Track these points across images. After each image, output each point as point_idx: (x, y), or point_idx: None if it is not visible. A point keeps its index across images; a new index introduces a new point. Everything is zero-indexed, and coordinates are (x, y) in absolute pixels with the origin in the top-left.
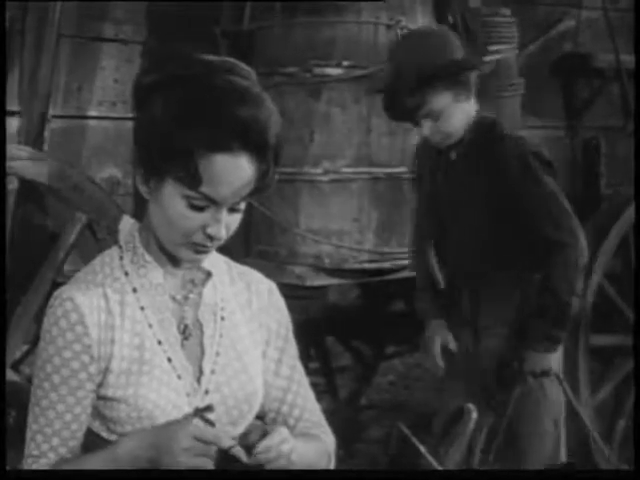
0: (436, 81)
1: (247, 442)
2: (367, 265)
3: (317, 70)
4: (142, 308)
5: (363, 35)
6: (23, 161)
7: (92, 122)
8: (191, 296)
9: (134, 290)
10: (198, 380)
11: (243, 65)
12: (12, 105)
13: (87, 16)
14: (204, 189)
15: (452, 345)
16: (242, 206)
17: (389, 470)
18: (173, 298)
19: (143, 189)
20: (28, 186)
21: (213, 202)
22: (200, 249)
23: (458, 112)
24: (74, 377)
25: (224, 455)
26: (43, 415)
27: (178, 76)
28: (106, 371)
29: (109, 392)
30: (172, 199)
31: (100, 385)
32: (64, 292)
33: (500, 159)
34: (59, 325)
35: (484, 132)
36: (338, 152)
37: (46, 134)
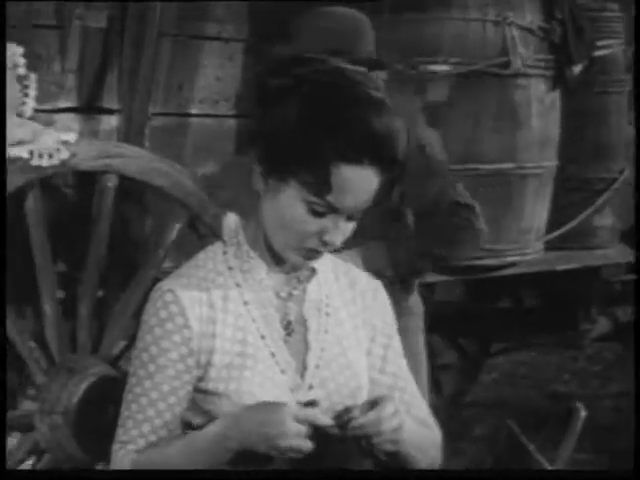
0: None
1: (347, 419)
2: (473, 262)
3: (423, 67)
4: (245, 303)
5: (470, 31)
6: (123, 158)
7: (193, 120)
8: (295, 292)
9: (237, 285)
10: (302, 375)
11: (372, 76)
12: (111, 103)
13: (188, 15)
14: (330, 198)
15: None
16: (359, 215)
17: (389, 470)
18: (277, 294)
19: (259, 186)
20: (128, 183)
21: (334, 210)
22: (311, 254)
23: None
24: (171, 367)
25: (325, 433)
26: (136, 402)
27: (311, 82)
28: (207, 365)
29: (210, 386)
30: (292, 202)
31: (201, 379)
32: (165, 284)
33: None
34: (159, 315)
35: None
36: (445, 149)
37: (146, 132)
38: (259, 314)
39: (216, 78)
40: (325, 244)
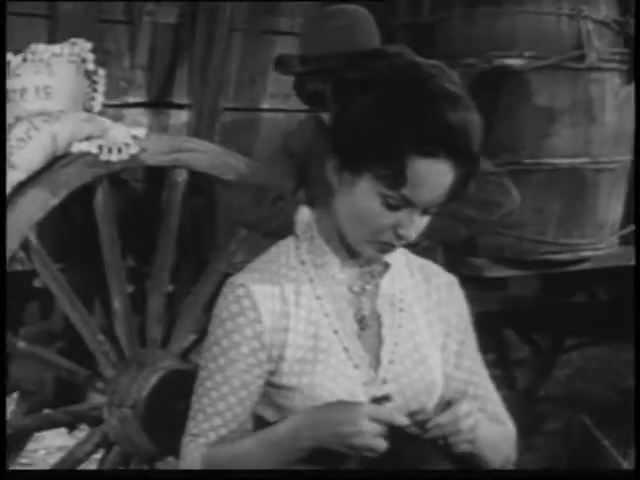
0: None
1: (421, 420)
2: (548, 256)
3: (497, 61)
4: (318, 297)
5: (544, 25)
6: (193, 153)
7: (264, 114)
8: (368, 287)
9: (310, 279)
10: (375, 370)
11: (449, 70)
12: (181, 98)
13: (259, 10)
14: (405, 191)
15: None
16: (434, 210)
17: (390, 470)
18: (350, 288)
19: (333, 179)
20: (197, 178)
21: (409, 204)
22: (385, 248)
23: None
24: (242, 361)
25: (401, 433)
26: (206, 395)
27: (386, 75)
28: (279, 359)
29: (283, 380)
30: (367, 195)
31: (273, 373)
32: (237, 279)
33: None
34: (230, 309)
35: None
36: (519, 143)
37: (217, 126)
38: (332, 308)
39: None
40: (399, 238)
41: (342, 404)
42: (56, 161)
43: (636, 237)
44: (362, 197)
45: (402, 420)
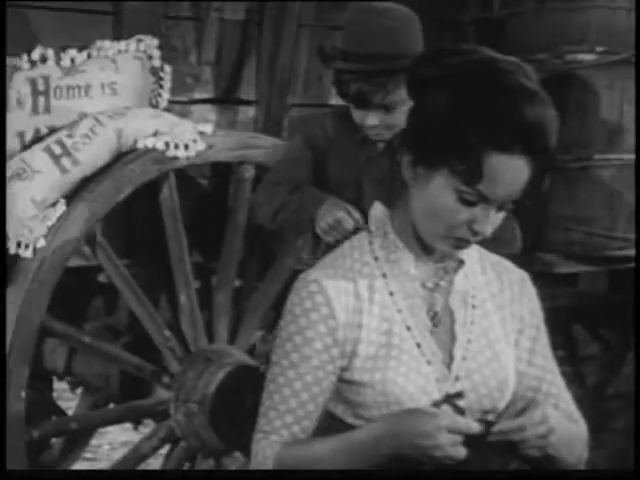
0: (401, 73)
1: (489, 423)
2: (618, 252)
3: (569, 57)
4: (391, 293)
5: (616, 20)
6: (260, 149)
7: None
8: (442, 283)
9: (384, 275)
10: (448, 367)
11: (525, 65)
12: (248, 94)
13: (327, 6)
14: (481, 187)
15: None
16: (509, 206)
17: (390, 470)
18: (423, 285)
19: (408, 175)
20: (265, 174)
21: (485, 199)
22: (460, 244)
23: (406, 108)
24: (315, 357)
25: (478, 440)
26: (278, 392)
27: (462, 71)
28: (352, 355)
29: (355, 376)
30: (442, 190)
31: (345, 369)
32: (310, 274)
33: None
34: (303, 305)
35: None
36: (589, 139)
37: (285, 122)
38: (405, 305)
39: None
40: (475, 234)
41: (420, 414)
42: (121, 157)
43: (636, 237)
44: (437, 192)
45: (479, 429)
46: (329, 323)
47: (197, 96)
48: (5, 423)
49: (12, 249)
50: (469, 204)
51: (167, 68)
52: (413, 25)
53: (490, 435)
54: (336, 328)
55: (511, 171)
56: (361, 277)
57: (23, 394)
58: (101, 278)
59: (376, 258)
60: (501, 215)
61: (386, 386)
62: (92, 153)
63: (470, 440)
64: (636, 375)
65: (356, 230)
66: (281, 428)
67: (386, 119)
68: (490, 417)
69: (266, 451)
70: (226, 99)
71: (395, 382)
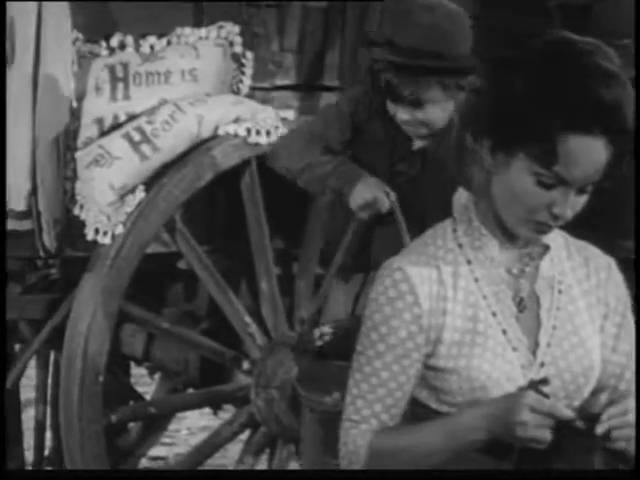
0: (441, 72)
1: (587, 413)
2: None
3: None
4: (476, 280)
5: None
6: None
7: None
8: (527, 269)
9: (468, 262)
10: (533, 353)
11: (606, 47)
12: (331, 81)
13: None
14: (557, 168)
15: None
16: (590, 189)
17: (390, 470)
18: (508, 271)
19: (488, 161)
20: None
21: (563, 182)
22: (541, 228)
23: (443, 108)
24: (401, 346)
25: (562, 427)
26: (366, 381)
27: (540, 53)
28: (437, 342)
29: (440, 363)
30: (520, 174)
31: (430, 356)
32: (394, 262)
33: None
34: (387, 294)
35: (455, 136)
36: None
37: None
38: (490, 291)
39: None
40: (555, 217)
41: (510, 396)
42: (202, 144)
43: (636, 236)
44: (517, 177)
45: (566, 413)
46: (414, 311)
47: (279, 83)
48: (5, 423)
49: (90, 235)
50: (547, 187)
51: (249, 55)
52: (463, 24)
53: (591, 423)
54: (421, 315)
55: (588, 152)
56: (445, 264)
57: (101, 379)
58: (180, 264)
59: (460, 245)
60: (582, 199)
61: (471, 372)
62: (172, 140)
63: (559, 426)
64: (637, 374)
65: (390, 212)
66: (370, 417)
67: (417, 115)
68: (575, 404)
69: (357, 441)
70: (308, 86)
71: (480, 368)
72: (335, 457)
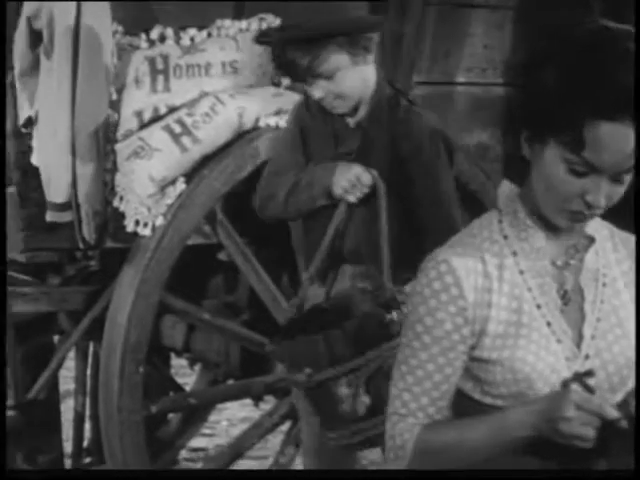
0: (330, 39)
1: (631, 413)
2: None
3: None
4: (521, 272)
5: None
6: None
7: (458, 88)
8: (572, 262)
9: (514, 253)
10: (578, 345)
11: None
12: None
13: None
14: (586, 154)
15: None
16: (627, 178)
17: (390, 470)
18: (553, 263)
19: (526, 152)
20: None
21: (594, 169)
22: (577, 217)
23: (354, 75)
24: (446, 338)
25: (607, 426)
26: (411, 374)
27: (573, 41)
28: (481, 334)
29: (484, 354)
30: (553, 162)
31: (474, 347)
32: (439, 254)
33: (396, 137)
34: (432, 287)
35: (384, 103)
36: None
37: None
38: (535, 283)
39: (484, 46)
40: (589, 206)
41: (557, 392)
42: (243, 135)
43: (637, 236)
44: (550, 165)
45: (612, 413)
46: (459, 303)
47: None
48: (5, 423)
49: (130, 227)
50: (579, 175)
51: None
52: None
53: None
54: (466, 308)
55: (615, 139)
56: (490, 255)
57: (141, 370)
58: (221, 256)
59: (505, 237)
60: (620, 189)
61: (515, 364)
62: (212, 132)
63: (604, 425)
64: (636, 374)
65: (373, 187)
66: (417, 410)
67: (330, 88)
68: (619, 395)
69: (404, 434)
70: None
71: (524, 360)
72: (328, 429)
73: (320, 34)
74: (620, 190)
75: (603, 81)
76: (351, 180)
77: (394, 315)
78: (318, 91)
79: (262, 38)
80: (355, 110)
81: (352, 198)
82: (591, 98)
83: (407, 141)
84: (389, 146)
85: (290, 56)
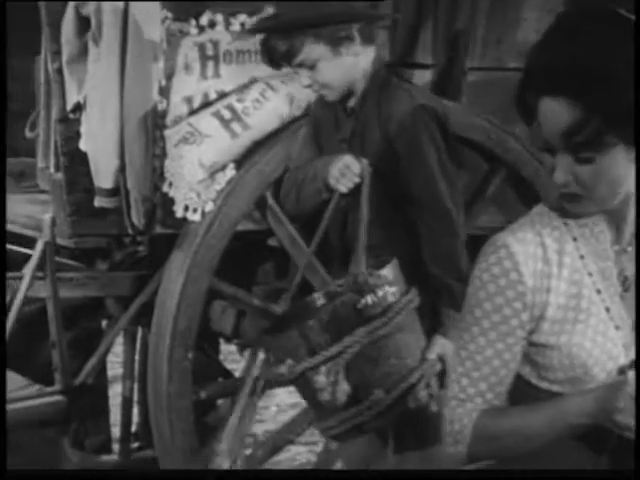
0: (306, 30)
1: None
2: None
3: None
4: (582, 257)
5: None
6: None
7: (512, 74)
8: (629, 249)
9: (574, 239)
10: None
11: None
12: (425, 58)
13: None
14: (535, 127)
15: None
16: (600, 160)
17: (391, 470)
18: (614, 249)
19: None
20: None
21: (549, 145)
22: (566, 198)
23: (336, 66)
24: (505, 323)
25: None
26: (470, 359)
27: (556, 20)
28: (540, 319)
29: (541, 339)
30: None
31: (532, 332)
32: (498, 239)
33: (383, 117)
34: (491, 271)
35: (377, 85)
36: None
37: (463, 87)
38: (596, 268)
39: (536, 32)
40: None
41: (612, 381)
42: (293, 122)
43: (637, 236)
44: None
45: None
46: (518, 288)
47: None
48: (5, 423)
49: (179, 213)
50: (551, 153)
51: None
52: None
53: None
54: (525, 293)
55: (549, 113)
56: (551, 241)
57: (190, 355)
58: (271, 242)
59: (566, 223)
60: (588, 169)
61: (572, 349)
62: (263, 118)
63: None
64: (637, 374)
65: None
66: (475, 396)
67: (315, 77)
68: None
69: (463, 419)
70: (402, 63)
71: (581, 345)
72: (316, 420)
73: (291, 26)
74: (589, 170)
75: (550, 57)
76: (340, 168)
77: (368, 299)
78: (305, 80)
79: (252, 27)
80: (349, 96)
81: (343, 188)
82: (535, 74)
83: (392, 119)
84: (378, 128)
85: (271, 44)
